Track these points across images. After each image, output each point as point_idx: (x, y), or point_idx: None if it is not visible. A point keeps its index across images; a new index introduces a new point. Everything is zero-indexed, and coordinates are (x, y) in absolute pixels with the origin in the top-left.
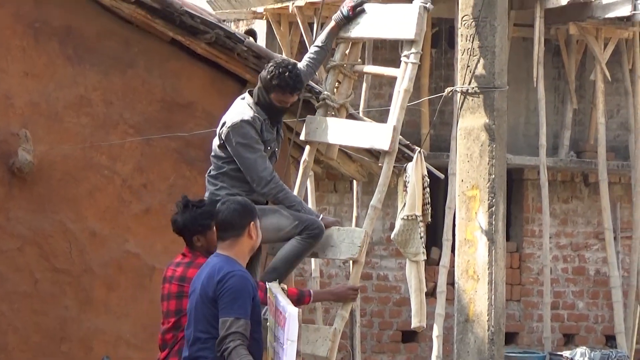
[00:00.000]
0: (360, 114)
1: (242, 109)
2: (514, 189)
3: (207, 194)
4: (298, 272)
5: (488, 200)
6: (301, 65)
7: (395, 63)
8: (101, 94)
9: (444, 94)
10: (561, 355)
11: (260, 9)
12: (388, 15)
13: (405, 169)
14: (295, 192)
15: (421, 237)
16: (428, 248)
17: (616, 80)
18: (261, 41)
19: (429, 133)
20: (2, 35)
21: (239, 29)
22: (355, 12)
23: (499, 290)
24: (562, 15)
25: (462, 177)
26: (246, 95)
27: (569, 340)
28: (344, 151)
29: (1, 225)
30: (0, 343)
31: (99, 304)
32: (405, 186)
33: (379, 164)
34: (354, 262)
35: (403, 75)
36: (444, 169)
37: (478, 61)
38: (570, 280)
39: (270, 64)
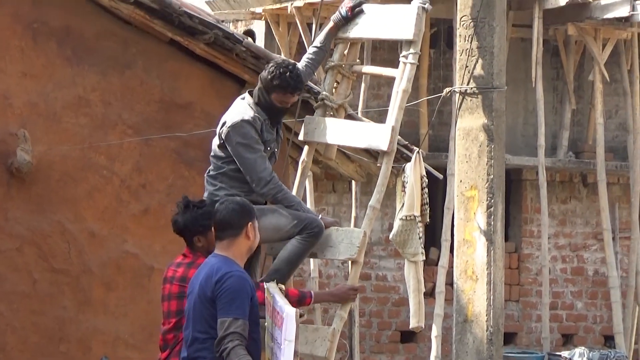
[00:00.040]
0: (359, 115)
1: (242, 108)
2: (512, 190)
3: (205, 194)
4: (297, 273)
5: (487, 200)
6: (300, 65)
7: (394, 63)
8: (100, 94)
9: (442, 94)
10: (560, 356)
11: (258, 10)
12: (386, 15)
13: (403, 169)
14: (293, 192)
15: (420, 238)
16: (427, 248)
17: (615, 80)
18: (260, 42)
19: (427, 133)
20: (1, 36)
21: (238, 29)
22: (354, 13)
23: (497, 291)
24: (560, 16)
25: (460, 178)
26: (246, 95)
27: (568, 340)
28: (343, 151)
29: (0, 225)
30: None
31: (98, 304)
32: (403, 186)
33: (378, 164)
34: (352, 263)
35: (402, 75)
36: (443, 170)
37: (476, 62)
38: (568, 281)
39: (271, 64)
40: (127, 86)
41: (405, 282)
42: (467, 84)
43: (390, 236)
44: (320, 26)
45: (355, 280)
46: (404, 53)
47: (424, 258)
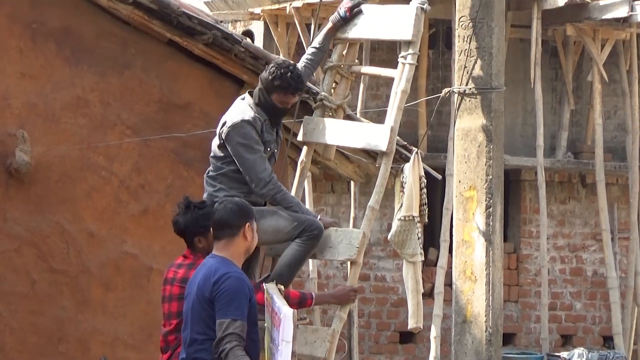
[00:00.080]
0: (358, 115)
1: (242, 109)
2: (511, 190)
3: (205, 195)
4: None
5: (485, 201)
6: (299, 66)
7: (393, 64)
8: (98, 94)
9: (441, 94)
10: (559, 356)
11: (257, 10)
12: (385, 16)
13: (402, 170)
14: (292, 193)
15: (419, 238)
16: (425, 249)
17: (613, 81)
18: (258, 42)
19: (426, 134)
20: (0, 36)
21: (237, 30)
22: (353, 13)
23: (496, 291)
24: (559, 17)
25: (459, 178)
26: (246, 95)
27: (567, 341)
28: (342, 152)
29: None
30: None
31: (97, 304)
32: (402, 187)
33: (377, 165)
34: (352, 263)
35: (400, 76)
36: (442, 170)
37: (475, 62)
38: (567, 281)
39: (272, 65)
40: (126, 86)
41: (404, 282)
42: (466, 85)
43: (389, 236)
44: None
45: (354, 281)
46: (402, 53)
47: (423, 259)
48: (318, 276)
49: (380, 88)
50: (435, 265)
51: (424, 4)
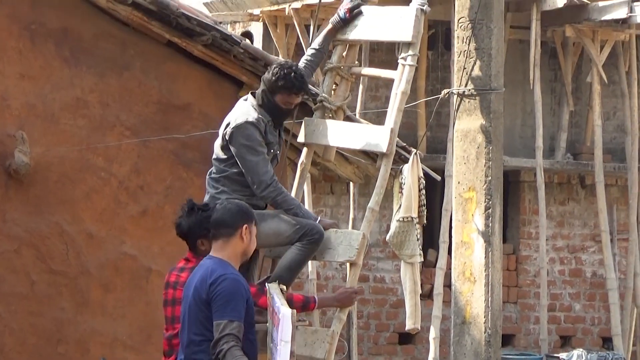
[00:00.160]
0: (357, 116)
1: (246, 110)
2: (510, 191)
3: (207, 197)
4: None
5: (484, 202)
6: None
7: (392, 65)
8: (97, 95)
9: (440, 96)
10: (558, 357)
11: (256, 11)
12: (385, 17)
13: (401, 171)
14: (292, 195)
15: (418, 239)
16: (424, 250)
17: (612, 82)
18: (257, 43)
19: (425, 135)
20: None
21: (236, 31)
22: (352, 15)
23: (495, 292)
24: (558, 18)
25: (458, 179)
26: (249, 96)
27: (566, 342)
28: (341, 153)
29: None
30: None
31: (96, 305)
32: (401, 188)
33: (376, 166)
34: (351, 265)
35: (400, 77)
36: (441, 171)
37: (474, 63)
38: (567, 283)
39: (274, 66)
40: (125, 87)
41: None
42: (465, 86)
43: (387, 237)
44: (318, 28)
45: (354, 283)
46: (402, 55)
47: (422, 260)
48: (317, 277)
49: (380, 89)
50: (435, 266)
51: (423, 5)
